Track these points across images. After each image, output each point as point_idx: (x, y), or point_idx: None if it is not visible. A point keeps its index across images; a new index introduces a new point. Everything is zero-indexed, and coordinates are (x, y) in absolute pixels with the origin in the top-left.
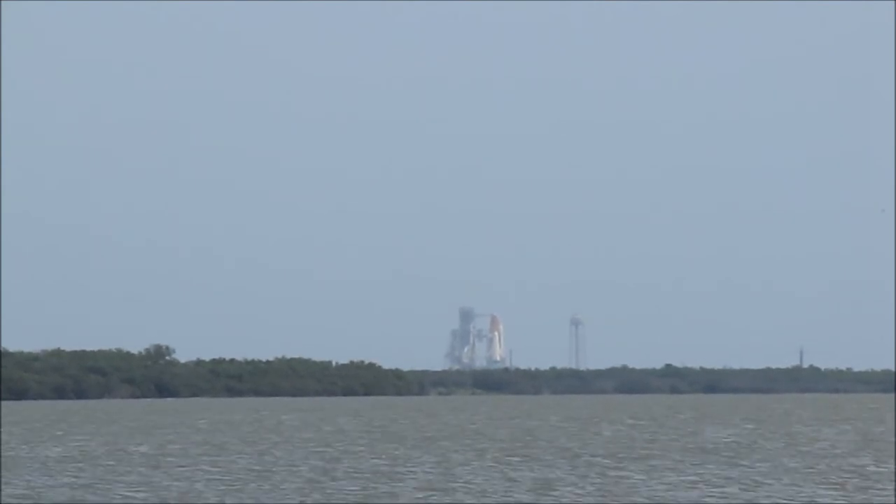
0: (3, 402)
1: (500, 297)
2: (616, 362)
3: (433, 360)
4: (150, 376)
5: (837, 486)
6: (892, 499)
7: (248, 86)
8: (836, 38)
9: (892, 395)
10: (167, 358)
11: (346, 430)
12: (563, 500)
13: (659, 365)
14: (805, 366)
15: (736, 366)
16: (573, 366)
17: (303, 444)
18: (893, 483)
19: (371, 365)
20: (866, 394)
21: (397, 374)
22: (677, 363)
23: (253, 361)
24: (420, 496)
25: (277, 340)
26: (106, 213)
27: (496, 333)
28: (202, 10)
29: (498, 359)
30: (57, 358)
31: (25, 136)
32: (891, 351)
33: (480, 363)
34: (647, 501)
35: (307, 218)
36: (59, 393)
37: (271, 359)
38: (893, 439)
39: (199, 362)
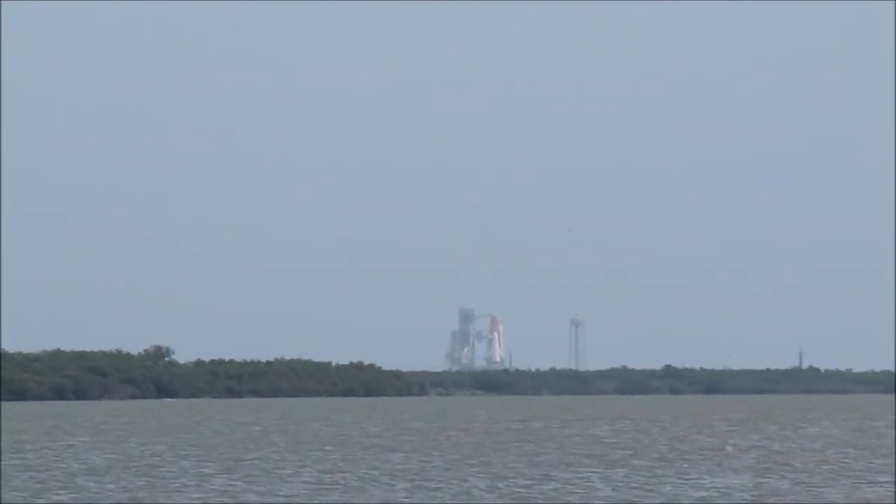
0: (3, 403)
1: (500, 297)
2: (616, 363)
3: (433, 361)
4: (150, 377)
5: None
6: (893, 499)
7: (250, 85)
8: (837, 37)
9: (892, 395)
10: (167, 359)
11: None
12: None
13: (659, 366)
14: (805, 367)
15: (736, 367)
16: (573, 366)
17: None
18: (893, 483)
19: (371, 366)
20: (866, 395)
21: (397, 375)
22: (677, 364)
23: (252, 362)
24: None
25: (277, 341)
26: (106, 213)
27: (496, 334)
28: (203, 9)
29: (497, 360)
30: (57, 359)
31: (25, 137)
32: (891, 352)
33: (480, 364)
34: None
35: (307, 219)
36: (59, 393)
37: (271, 359)
38: (893, 439)
39: (198, 363)
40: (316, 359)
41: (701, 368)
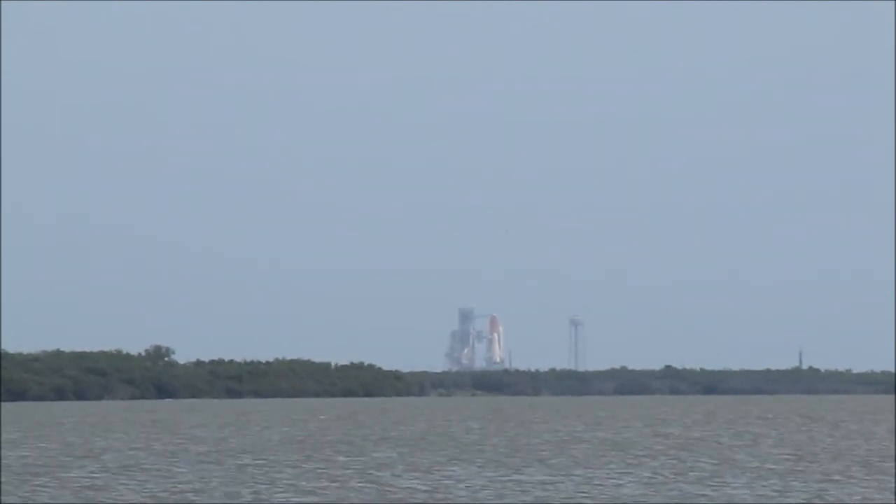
0: (3, 404)
1: (500, 297)
2: (616, 363)
3: (433, 361)
4: (150, 377)
5: None
6: (893, 499)
7: (250, 85)
8: (837, 37)
9: (892, 396)
10: (166, 359)
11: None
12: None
13: (659, 366)
14: (805, 367)
15: (736, 367)
16: (573, 367)
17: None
18: (893, 483)
19: (370, 366)
20: (866, 395)
21: (397, 376)
22: (677, 364)
23: (252, 362)
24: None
25: (277, 341)
26: (105, 213)
27: (496, 334)
28: (203, 9)
29: (497, 360)
30: (57, 359)
31: (25, 137)
32: (891, 352)
33: (480, 364)
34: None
35: (307, 218)
36: (59, 394)
37: (271, 360)
38: (894, 439)
39: (198, 363)
40: (316, 359)
41: (701, 369)
